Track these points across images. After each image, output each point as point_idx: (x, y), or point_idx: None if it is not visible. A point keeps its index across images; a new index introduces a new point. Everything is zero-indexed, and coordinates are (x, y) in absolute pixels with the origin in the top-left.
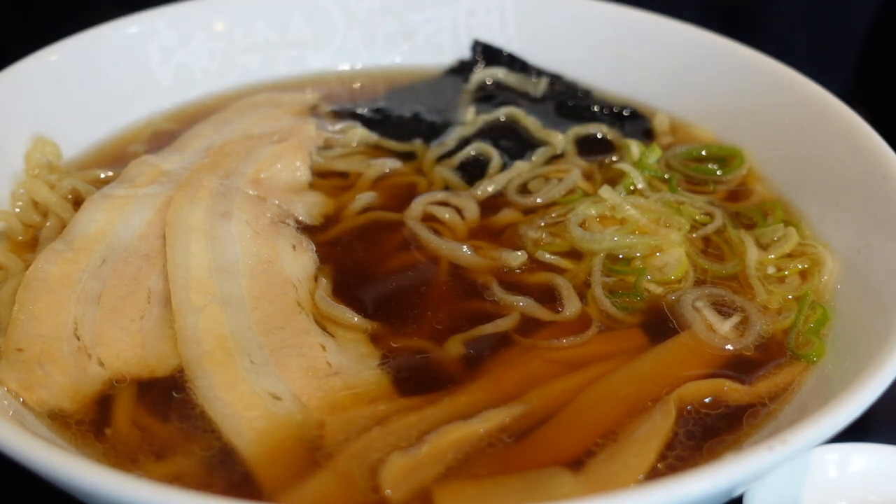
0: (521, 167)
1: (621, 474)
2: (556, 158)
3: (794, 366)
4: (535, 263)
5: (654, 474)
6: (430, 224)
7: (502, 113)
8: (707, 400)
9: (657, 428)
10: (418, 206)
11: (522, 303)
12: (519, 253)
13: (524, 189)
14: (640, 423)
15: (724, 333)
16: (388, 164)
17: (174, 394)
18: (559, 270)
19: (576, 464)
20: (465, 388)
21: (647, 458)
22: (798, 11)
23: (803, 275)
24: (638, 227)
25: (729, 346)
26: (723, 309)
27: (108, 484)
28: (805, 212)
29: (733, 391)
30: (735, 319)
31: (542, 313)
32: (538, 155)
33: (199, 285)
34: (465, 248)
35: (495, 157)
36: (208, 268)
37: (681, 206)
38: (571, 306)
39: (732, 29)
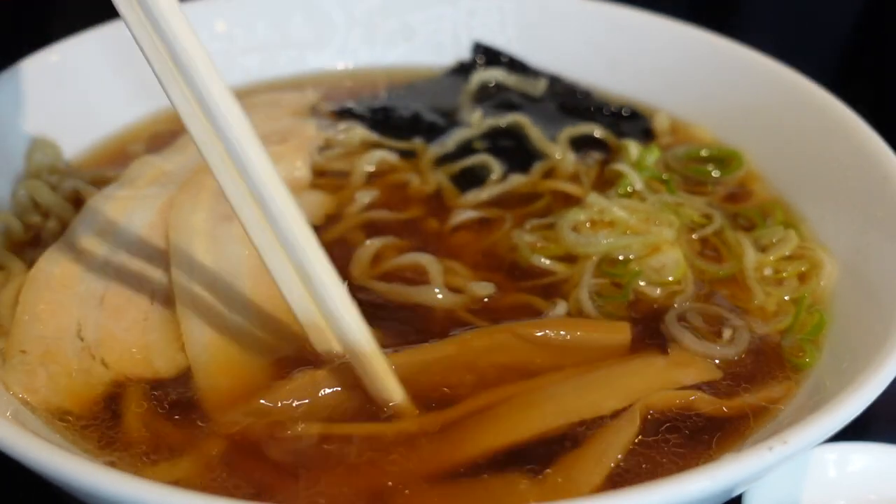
0: (517, 180)
1: (581, 480)
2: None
3: (788, 371)
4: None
5: (613, 481)
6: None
7: (508, 120)
8: (689, 410)
9: (620, 434)
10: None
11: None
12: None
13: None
14: (604, 429)
15: (708, 351)
16: (385, 156)
17: (178, 395)
18: (554, 274)
19: (535, 468)
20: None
21: (606, 466)
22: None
23: (801, 278)
24: (629, 227)
25: (715, 360)
26: (712, 321)
27: (111, 484)
28: (805, 212)
29: (704, 402)
30: (727, 333)
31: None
32: (536, 169)
33: (202, 286)
34: (436, 290)
35: (496, 169)
36: (211, 269)
37: (679, 208)
38: (559, 309)
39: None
